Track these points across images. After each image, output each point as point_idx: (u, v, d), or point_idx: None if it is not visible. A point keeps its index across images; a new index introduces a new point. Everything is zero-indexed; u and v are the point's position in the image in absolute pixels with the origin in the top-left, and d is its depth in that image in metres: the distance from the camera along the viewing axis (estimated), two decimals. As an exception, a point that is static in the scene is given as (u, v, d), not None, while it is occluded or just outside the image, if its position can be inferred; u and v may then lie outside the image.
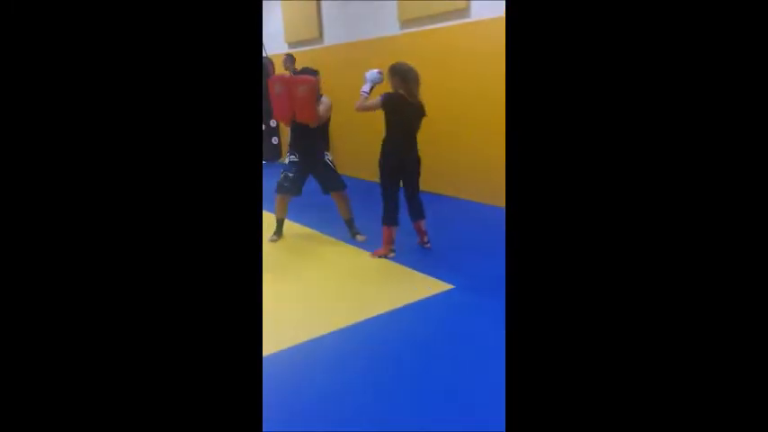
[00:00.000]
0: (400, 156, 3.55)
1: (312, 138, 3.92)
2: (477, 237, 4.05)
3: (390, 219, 3.64)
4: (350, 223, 4.06)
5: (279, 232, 4.16)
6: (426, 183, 5.47)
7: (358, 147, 5.77)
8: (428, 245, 3.79)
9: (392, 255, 3.69)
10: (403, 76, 3.46)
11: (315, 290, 3.32)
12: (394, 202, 3.62)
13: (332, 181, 4.00)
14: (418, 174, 3.67)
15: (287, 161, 4.04)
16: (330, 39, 6.55)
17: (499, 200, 4.57)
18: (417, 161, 3.63)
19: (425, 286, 3.19)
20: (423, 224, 3.76)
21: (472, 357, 2.38)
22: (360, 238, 4.02)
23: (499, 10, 4.32)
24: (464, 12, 4.77)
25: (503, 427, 1.15)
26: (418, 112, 3.53)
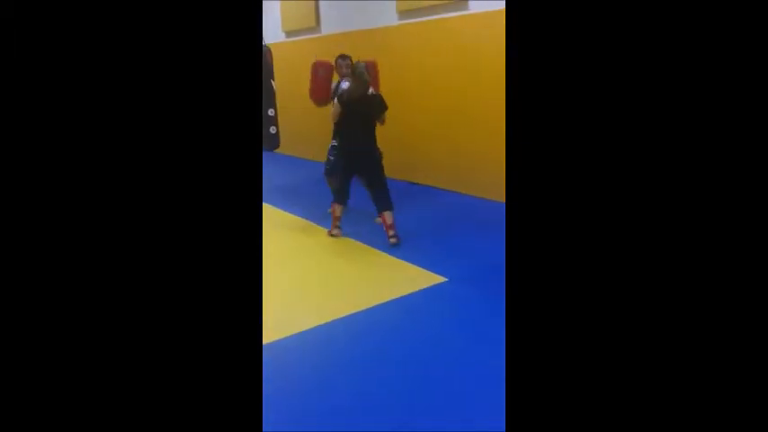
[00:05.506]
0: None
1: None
2: (472, 231, 4.03)
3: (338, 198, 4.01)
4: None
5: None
6: (424, 176, 5.48)
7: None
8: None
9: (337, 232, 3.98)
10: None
11: (305, 281, 3.30)
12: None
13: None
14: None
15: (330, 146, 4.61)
16: (327, 28, 6.49)
17: (496, 194, 4.55)
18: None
19: (418, 279, 3.17)
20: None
21: (464, 352, 2.37)
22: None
23: (498, 3, 4.28)
24: (462, 4, 4.73)
25: (502, 426, 1.13)
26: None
